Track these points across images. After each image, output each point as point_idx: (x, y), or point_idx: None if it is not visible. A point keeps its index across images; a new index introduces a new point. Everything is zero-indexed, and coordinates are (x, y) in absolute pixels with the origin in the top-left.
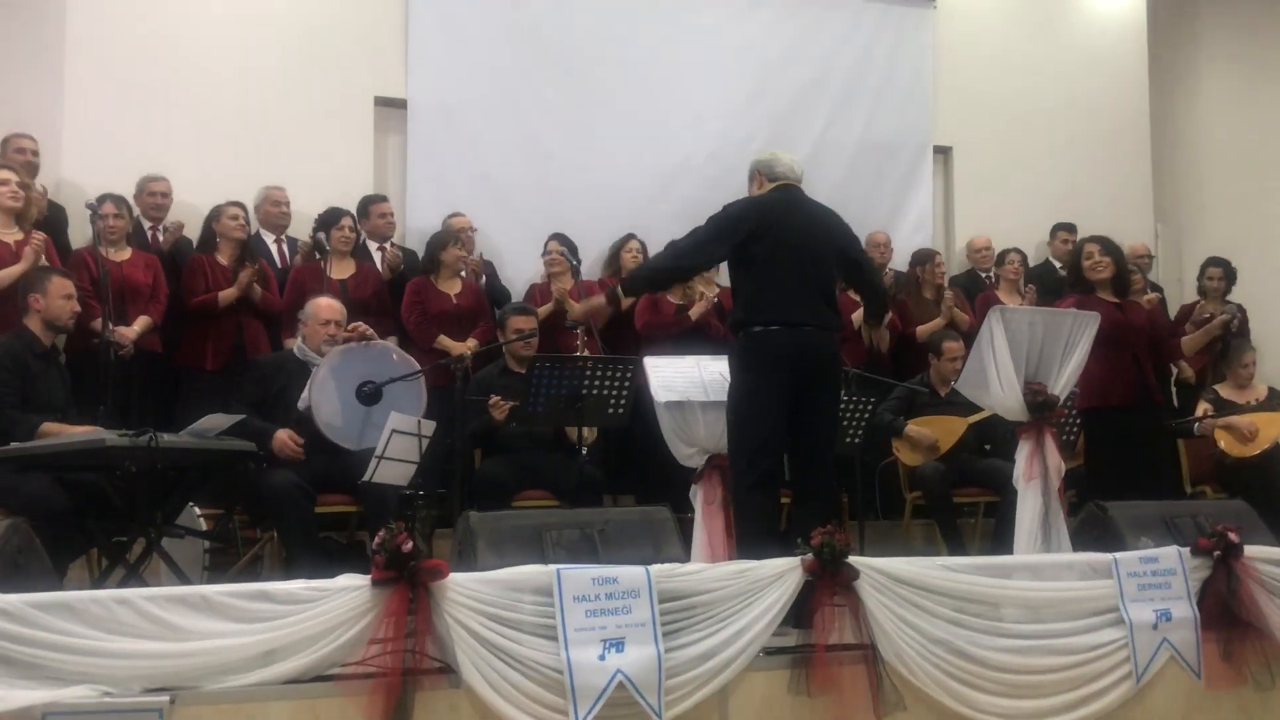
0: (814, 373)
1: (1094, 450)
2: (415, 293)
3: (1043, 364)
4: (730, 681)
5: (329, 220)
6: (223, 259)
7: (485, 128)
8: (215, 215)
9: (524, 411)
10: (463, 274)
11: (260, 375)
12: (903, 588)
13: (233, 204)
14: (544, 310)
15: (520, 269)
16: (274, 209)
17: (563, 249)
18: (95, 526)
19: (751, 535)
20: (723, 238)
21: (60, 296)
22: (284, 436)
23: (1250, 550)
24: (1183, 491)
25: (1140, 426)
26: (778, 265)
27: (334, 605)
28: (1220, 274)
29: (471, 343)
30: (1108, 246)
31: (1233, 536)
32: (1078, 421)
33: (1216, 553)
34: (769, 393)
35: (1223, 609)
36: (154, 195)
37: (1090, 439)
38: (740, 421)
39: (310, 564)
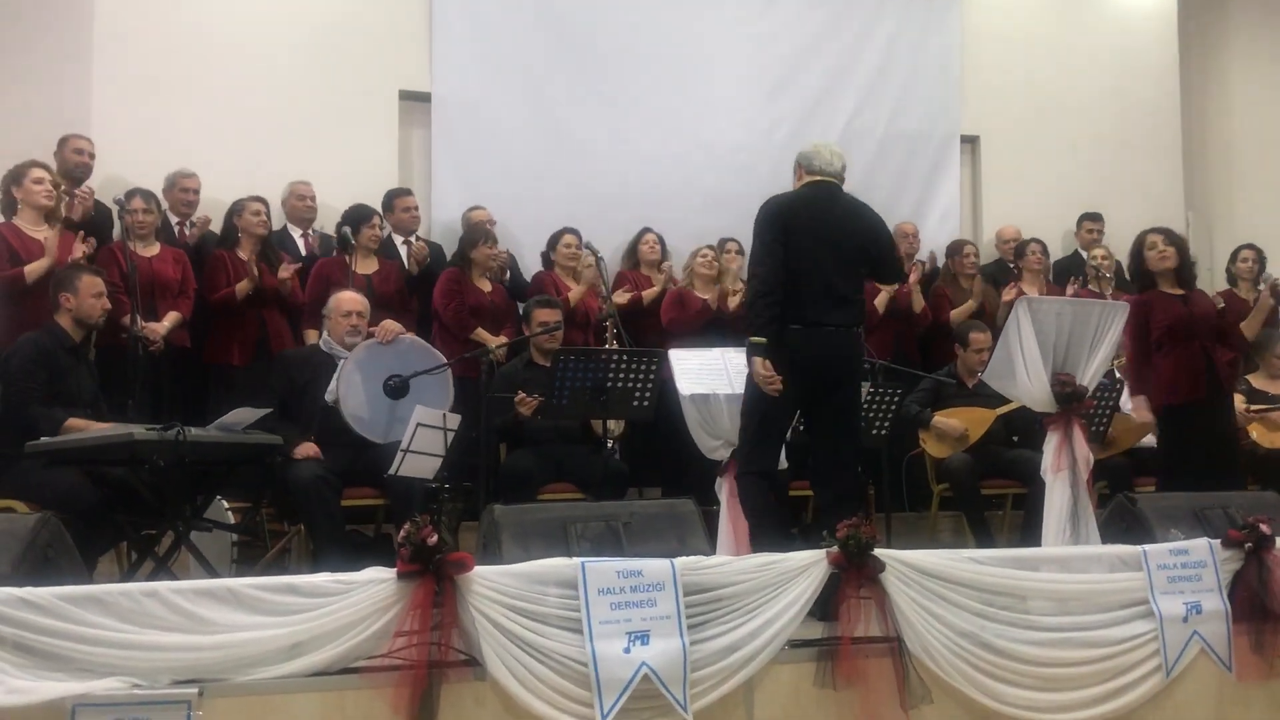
0: (833, 372)
1: (1170, 448)
2: (453, 281)
3: (1070, 355)
4: (756, 674)
5: (359, 217)
6: (244, 254)
7: (509, 120)
8: (237, 210)
9: (549, 404)
10: (489, 275)
11: (287, 369)
12: (929, 580)
13: (254, 199)
14: (575, 294)
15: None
16: (300, 203)
17: (582, 241)
18: (124, 520)
19: (755, 522)
20: (769, 248)
21: (91, 295)
22: (306, 448)
23: None
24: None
25: (1216, 420)
26: (801, 263)
27: (360, 598)
28: (1253, 256)
29: (503, 337)
30: (1171, 237)
31: (1264, 528)
32: (1110, 411)
33: (1248, 545)
34: (786, 393)
35: (1254, 601)
36: (186, 191)
37: (1165, 436)
38: (756, 419)
39: (337, 557)
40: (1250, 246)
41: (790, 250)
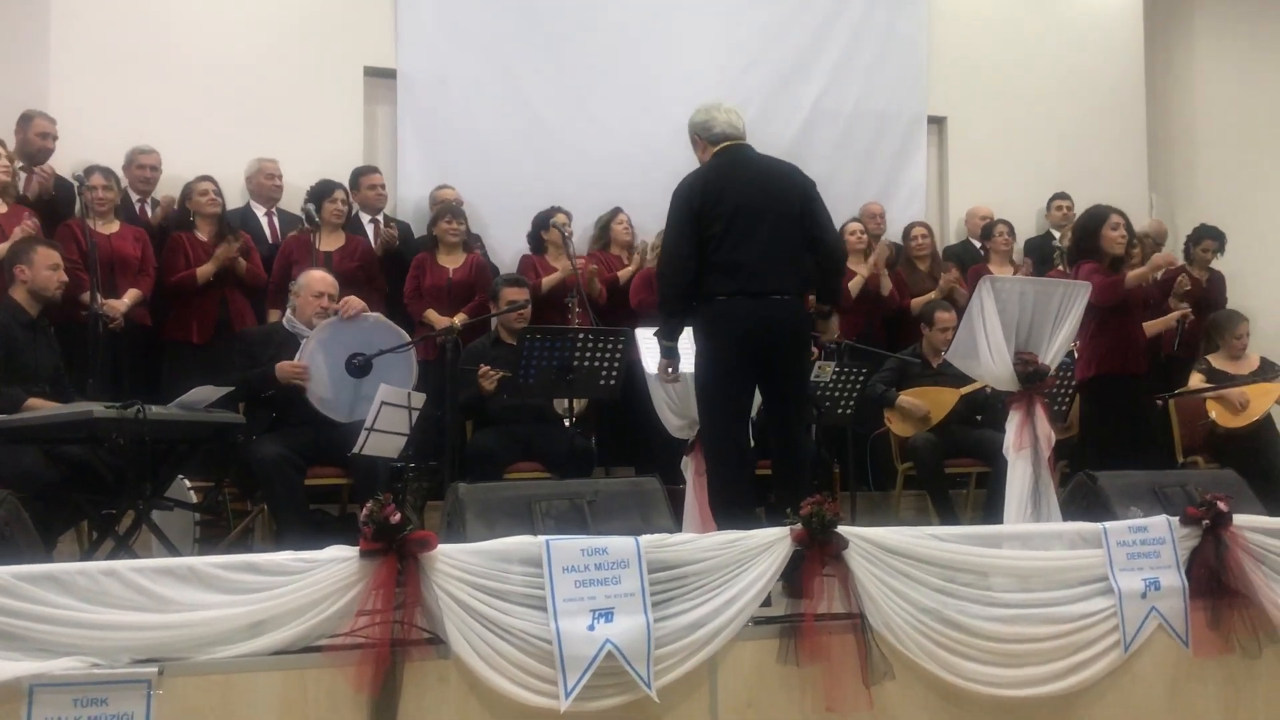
0: (779, 343)
1: (1091, 420)
2: (415, 267)
3: (1033, 334)
4: (719, 651)
5: (321, 193)
6: (202, 235)
7: (476, 98)
8: (187, 193)
9: (515, 383)
10: (463, 246)
11: (248, 347)
12: (892, 557)
13: (203, 179)
14: (549, 281)
15: (510, 240)
16: (267, 181)
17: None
18: (83, 499)
19: (724, 509)
20: (683, 234)
21: (46, 267)
22: (285, 365)
23: (1239, 519)
24: (1174, 461)
25: (1143, 394)
26: (730, 234)
27: (322, 577)
28: (1214, 246)
29: (460, 316)
30: (1128, 223)
31: (1222, 506)
32: (1070, 391)
33: (1205, 522)
34: (733, 366)
35: (1211, 578)
36: (143, 168)
37: (1089, 409)
38: (708, 398)
39: (301, 536)
40: (1213, 235)
41: (715, 228)
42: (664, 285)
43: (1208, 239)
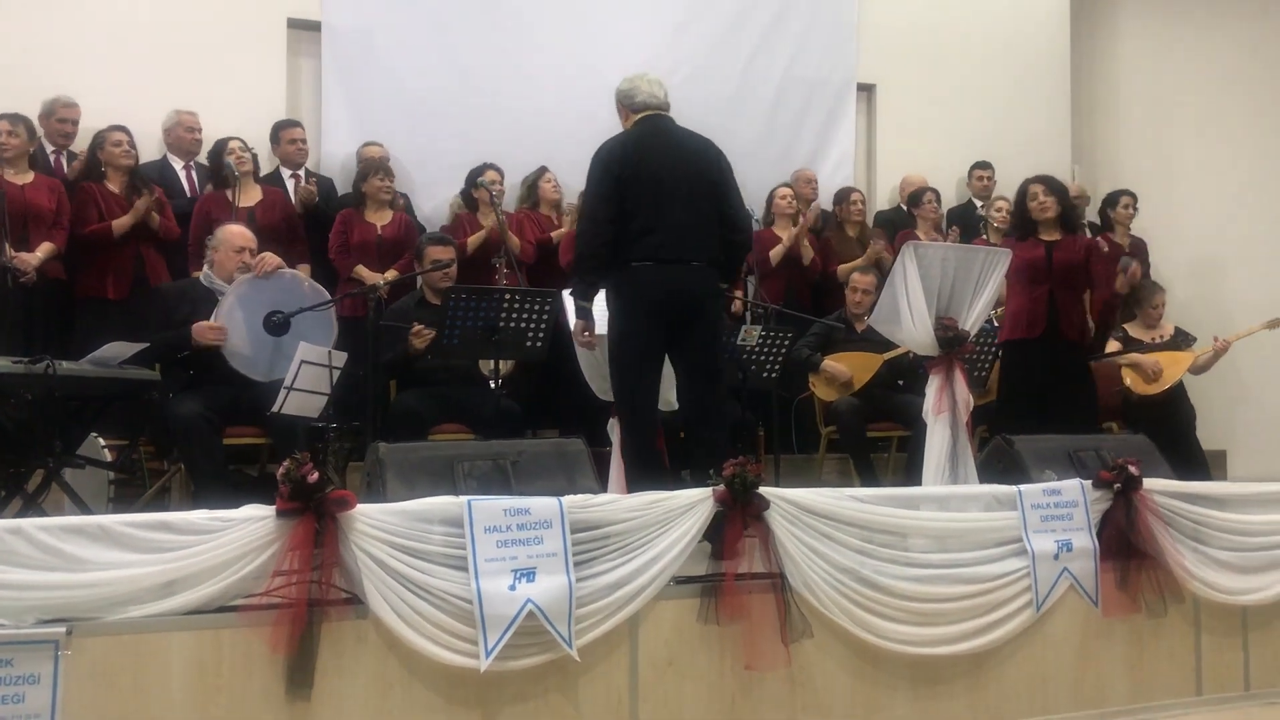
0: (688, 310)
1: (1008, 383)
2: (341, 223)
3: (954, 300)
4: (640, 610)
5: (220, 147)
6: (113, 186)
7: (403, 52)
8: (99, 143)
9: (439, 343)
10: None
11: (164, 304)
12: (812, 518)
13: (116, 128)
14: (475, 240)
15: (437, 199)
16: (186, 134)
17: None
18: None
19: (638, 471)
20: (601, 197)
21: None
22: (201, 326)
23: (1149, 483)
24: (1097, 427)
25: (1054, 361)
26: (646, 200)
27: (237, 536)
28: (1132, 203)
29: (390, 273)
30: (1052, 186)
31: (1133, 470)
32: (991, 357)
33: (1116, 485)
34: (642, 332)
35: (1121, 540)
36: (64, 122)
37: (1006, 372)
38: (617, 363)
39: (219, 497)
40: (1128, 193)
41: (631, 194)
42: (580, 246)
43: (1124, 196)
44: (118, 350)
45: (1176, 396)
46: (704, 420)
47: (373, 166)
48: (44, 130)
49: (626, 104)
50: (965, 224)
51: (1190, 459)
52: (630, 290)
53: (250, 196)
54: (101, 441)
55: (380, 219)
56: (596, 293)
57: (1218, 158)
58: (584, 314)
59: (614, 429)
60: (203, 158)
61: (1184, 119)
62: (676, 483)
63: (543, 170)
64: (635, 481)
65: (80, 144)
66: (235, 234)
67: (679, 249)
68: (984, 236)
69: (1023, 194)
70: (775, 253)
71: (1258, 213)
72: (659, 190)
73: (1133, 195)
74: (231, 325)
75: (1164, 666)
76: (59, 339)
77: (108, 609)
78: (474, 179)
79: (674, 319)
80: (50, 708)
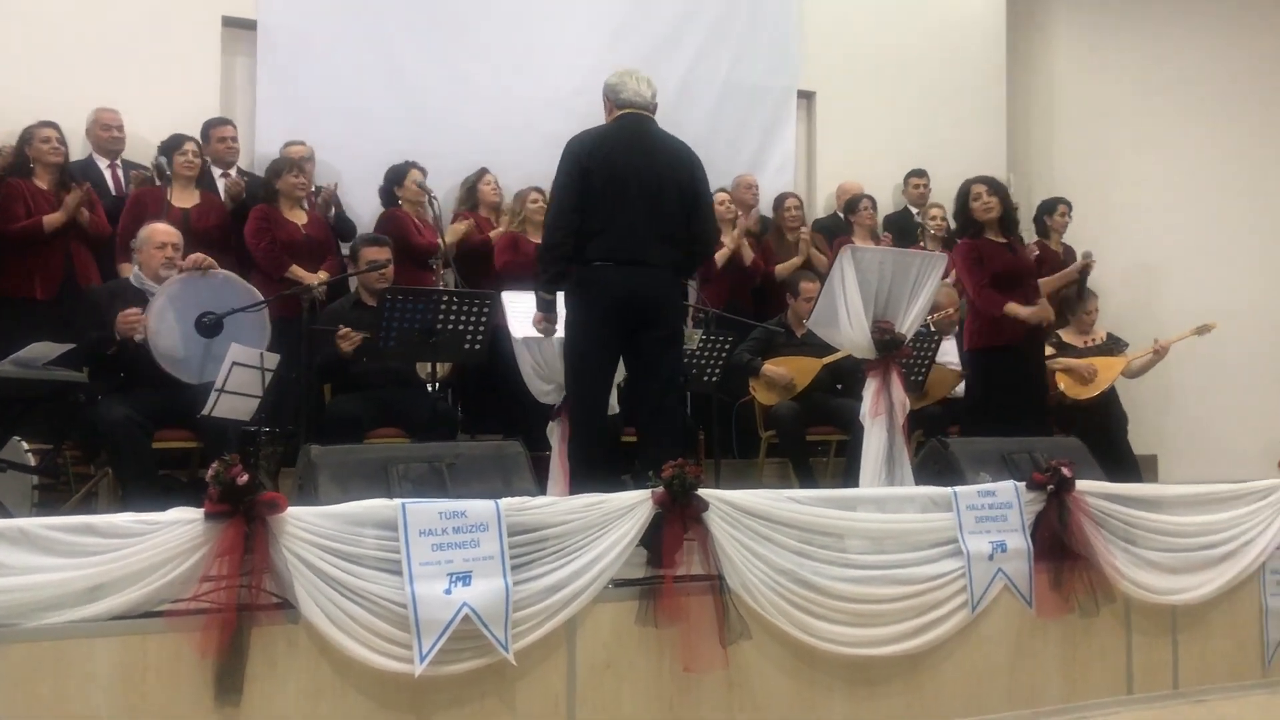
0: (646, 312)
1: (983, 389)
2: (262, 219)
3: (891, 303)
4: (578, 613)
5: (173, 145)
6: (42, 183)
7: (340, 52)
8: (27, 138)
9: (375, 345)
10: (305, 205)
11: (94, 304)
12: (750, 519)
13: (45, 124)
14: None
15: (372, 200)
16: (105, 133)
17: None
18: None
19: (583, 474)
20: (571, 187)
21: None
22: (122, 315)
23: (1082, 485)
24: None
25: (1028, 366)
26: (611, 199)
27: (164, 539)
28: (1067, 210)
29: (323, 274)
30: (994, 186)
31: (1066, 471)
32: (928, 361)
33: (1050, 487)
34: (602, 333)
35: (1054, 541)
36: None
37: (977, 379)
38: (573, 362)
39: (148, 501)
40: (1064, 201)
41: (596, 188)
42: (548, 235)
43: (1061, 204)
44: (43, 350)
45: (1109, 401)
46: (657, 426)
47: (286, 163)
48: None
49: (611, 98)
50: (901, 230)
51: (1122, 462)
52: (590, 292)
53: (188, 199)
54: (24, 445)
55: (297, 218)
56: (560, 284)
57: (1152, 165)
58: (545, 305)
59: (554, 433)
60: (129, 155)
61: (1119, 127)
62: (617, 486)
63: (483, 172)
64: (579, 482)
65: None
66: (159, 231)
67: (640, 251)
68: (920, 244)
69: (965, 193)
70: (719, 257)
71: (1192, 220)
72: (622, 189)
73: (1068, 204)
74: (162, 326)
75: (1096, 665)
76: None
77: (28, 615)
78: (396, 177)
79: (633, 322)
80: None
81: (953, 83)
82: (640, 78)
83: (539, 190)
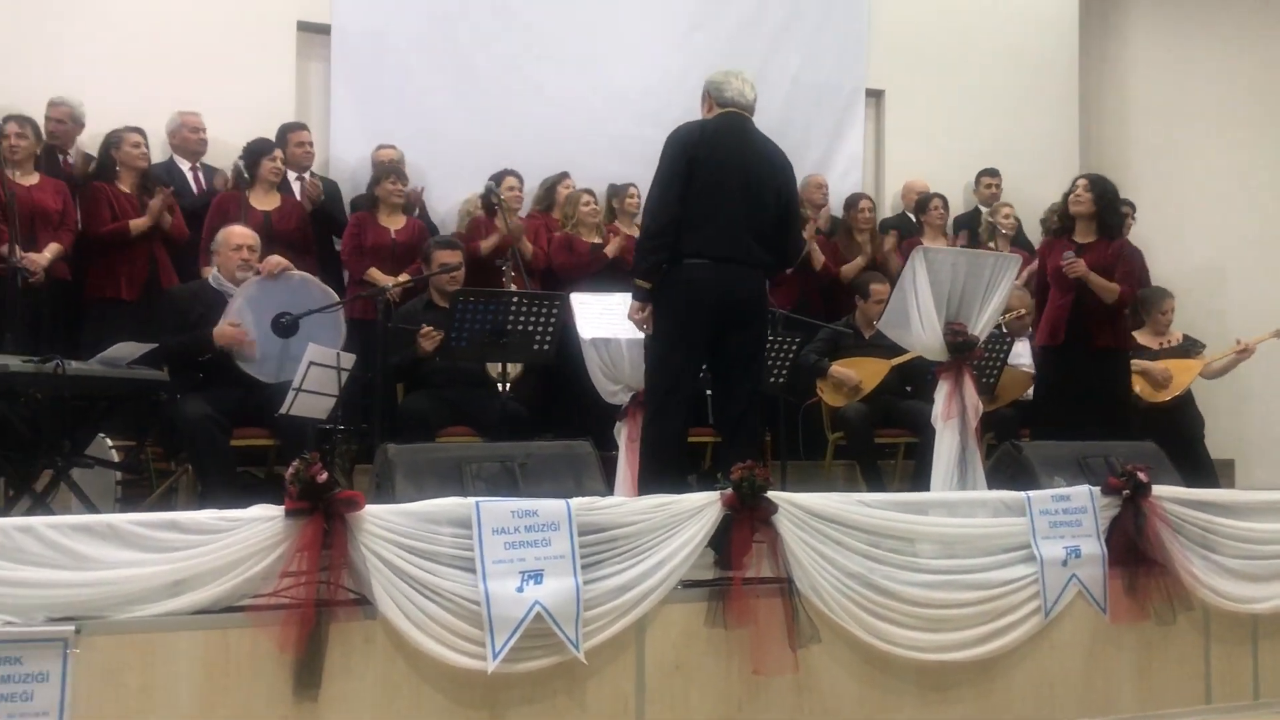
0: (736, 311)
1: (1041, 388)
2: (355, 224)
3: (964, 305)
4: (647, 614)
5: (259, 150)
6: (125, 187)
7: (413, 56)
8: (114, 142)
9: (447, 346)
10: (404, 208)
11: (175, 306)
12: (820, 522)
13: (131, 129)
14: (487, 245)
15: (446, 202)
16: (191, 135)
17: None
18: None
19: (653, 473)
20: (675, 174)
21: None
22: (223, 326)
23: (1158, 490)
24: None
25: (1085, 368)
26: (707, 197)
27: (245, 536)
28: (1131, 211)
29: (402, 276)
30: (1094, 184)
31: (1142, 476)
32: (1001, 363)
33: (1125, 492)
34: (689, 330)
35: (1129, 546)
36: (48, 120)
37: (1038, 378)
38: (657, 357)
39: (226, 498)
40: (1127, 202)
41: (697, 181)
42: (650, 222)
43: (1124, 205)
44: (127, 350)
45: (1185, 404)
46: (739, 438)
47: (385, 170)
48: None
49: (714, 95)
50: (972, 230)
51: (1199, 467)
52: (682, 288)
53: (268, 203)
54: (109, 442)
55: (394, 223)
56: (660, 273)
57: (1226, 164)
58: (644, 295)
59: (621, 433)
60: (209, 159)
61: (1192, 125)
62: (683, 487)
63: (563, 175)
64: (649, 481)
65: (86, 146)
66: (235, 233)
67: (731, 247)
68: (990, 244)
69: (1070, 189)
70: None
71: (1266, 220)
72: (731, 187)
73: (1132, 205)
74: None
75: (1173, 674)
76: (65, 339)
77: (116, 608)
78: (492, 184)
79: (723, 322)
80: (59, 706)
81: (1023, 81)
82: (744, 79)
83: (589, 192)
